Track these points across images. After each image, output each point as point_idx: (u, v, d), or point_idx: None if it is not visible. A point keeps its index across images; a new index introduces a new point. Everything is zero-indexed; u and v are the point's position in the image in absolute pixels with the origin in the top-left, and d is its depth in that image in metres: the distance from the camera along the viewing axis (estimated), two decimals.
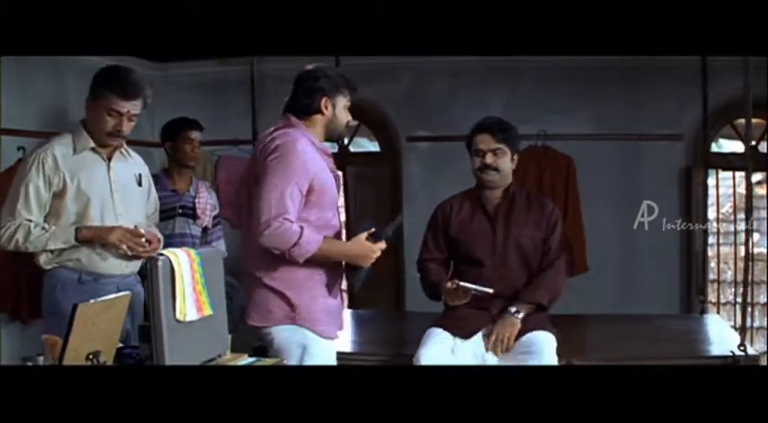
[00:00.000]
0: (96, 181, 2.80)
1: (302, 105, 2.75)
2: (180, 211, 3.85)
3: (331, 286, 2.78)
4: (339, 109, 2.78)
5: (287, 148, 2.64)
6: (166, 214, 3.77)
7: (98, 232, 2.75)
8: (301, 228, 2.60)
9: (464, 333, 3.08)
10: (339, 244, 2.77)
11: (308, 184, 2.64)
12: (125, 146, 2.93)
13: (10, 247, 2.74)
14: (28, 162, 2.77)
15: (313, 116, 2.76)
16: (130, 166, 2.96)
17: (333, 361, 2.80)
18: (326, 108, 2.75)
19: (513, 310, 3.07)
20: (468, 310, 3.12)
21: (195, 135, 3.91)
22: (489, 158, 3.17)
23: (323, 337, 2.74)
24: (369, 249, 2.70)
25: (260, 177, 2.65)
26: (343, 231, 2.95)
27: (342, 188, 3.03)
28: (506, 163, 3.20)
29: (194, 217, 3.89)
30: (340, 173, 3.23)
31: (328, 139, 2.85)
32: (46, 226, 2.73)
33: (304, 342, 2.69)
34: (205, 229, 3.95)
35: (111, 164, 2.84)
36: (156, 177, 3.88)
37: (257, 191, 2.63)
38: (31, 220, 2.72)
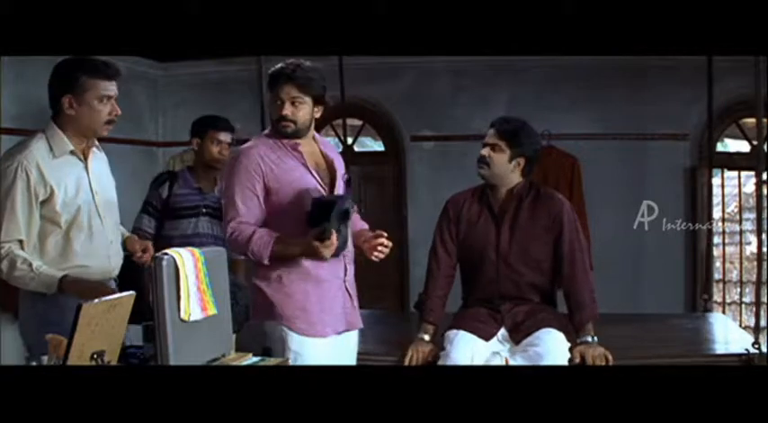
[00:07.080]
0: (81, 186, 2.63)
1: None
2: (204, 210, 3.75)
3: (312, 284, 2.76)
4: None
5: (235, 156, 2.77)
6: (189, 212, 3.73)
7: (81, 287, 2.47)
8: (253, 229, 2.68)
9: (485, 335, 3.08)
10: (292, 243, 2.70)
11: (260, 184, 2.70)
12: (97, 142, 2.75)
13: None
14: (8, 175, 2.51)
15: None
16: (101, 161, 2.79)
17: (320, 359, 2.75)
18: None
19: (588, 340, 3.06)
20: (482, 312, 3.14)
21: (224, 137, 3.79)
22: (485, 151, 3.11)
23: (304, 335, 2.73)
24: (315, 249, 2.65)
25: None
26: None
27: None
28: (501, 160, 3.10)
29: (219, 217, 3.84)
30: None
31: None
32: (33, 264, 2.47)
33: (285, 339, 2.72)
34: None
35: (89, 164, 2.68)
36: (179, 174, 3.87)
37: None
38: (21, 242, 2.51)
